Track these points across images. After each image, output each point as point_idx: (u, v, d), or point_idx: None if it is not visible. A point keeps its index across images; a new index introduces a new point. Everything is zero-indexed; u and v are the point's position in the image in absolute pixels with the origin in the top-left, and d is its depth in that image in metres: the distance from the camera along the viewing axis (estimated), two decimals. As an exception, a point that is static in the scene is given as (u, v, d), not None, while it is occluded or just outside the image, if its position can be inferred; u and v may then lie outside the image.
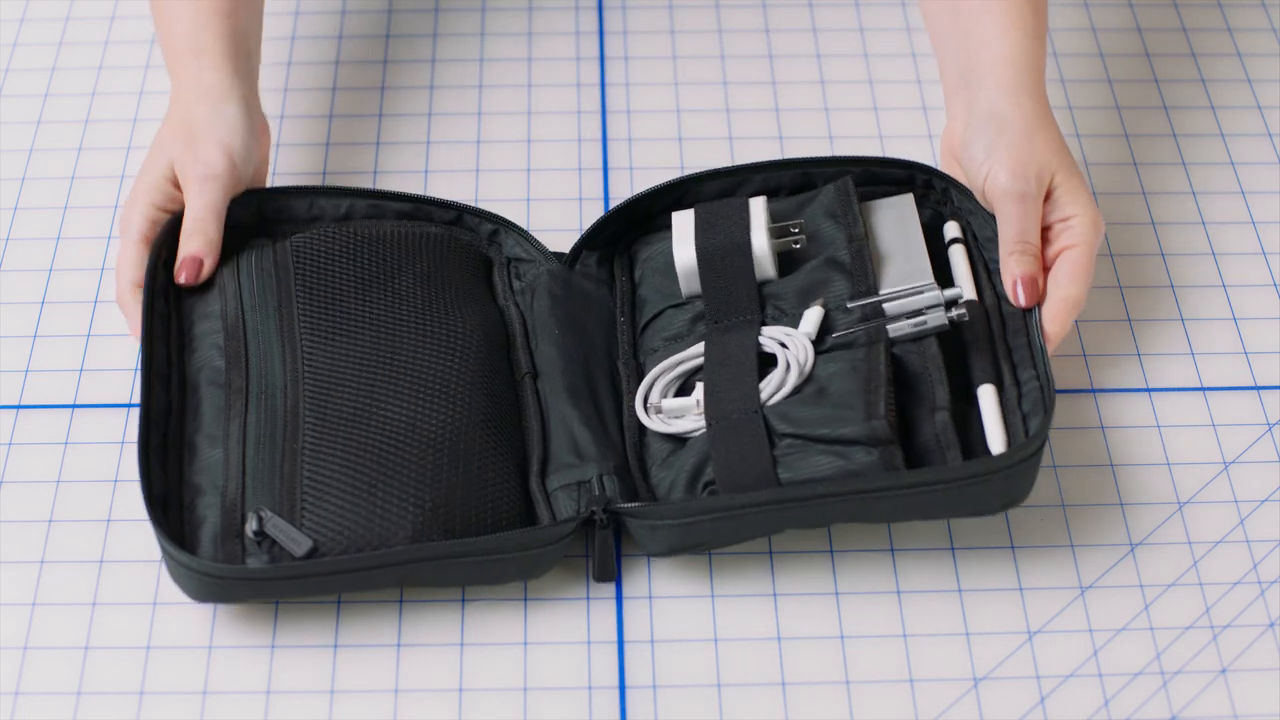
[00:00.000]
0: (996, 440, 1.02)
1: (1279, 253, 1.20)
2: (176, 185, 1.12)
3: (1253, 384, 1.13)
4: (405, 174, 1.24)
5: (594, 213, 1.22)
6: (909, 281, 1.08)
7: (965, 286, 1.09)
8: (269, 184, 1.23)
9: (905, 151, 1.26)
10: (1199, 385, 1.13)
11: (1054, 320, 1.07)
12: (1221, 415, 1.11)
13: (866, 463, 1.00)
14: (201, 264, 1.09)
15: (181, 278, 1.09)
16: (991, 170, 1.09)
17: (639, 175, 1.25)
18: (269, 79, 1.31)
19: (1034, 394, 1.04)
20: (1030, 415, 1.04)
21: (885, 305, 1.07)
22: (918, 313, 1.07)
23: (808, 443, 1.01)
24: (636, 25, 1.36)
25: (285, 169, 1.25)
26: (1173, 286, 1.18)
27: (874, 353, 1.04)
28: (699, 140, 1.27)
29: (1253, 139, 1.28)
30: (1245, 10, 1.37)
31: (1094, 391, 1.12)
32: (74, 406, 1.11)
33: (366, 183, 1.24)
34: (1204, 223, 1.22)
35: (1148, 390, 1.12)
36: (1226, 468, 1.09)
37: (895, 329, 1.06)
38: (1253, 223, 1.22)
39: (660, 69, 1.32)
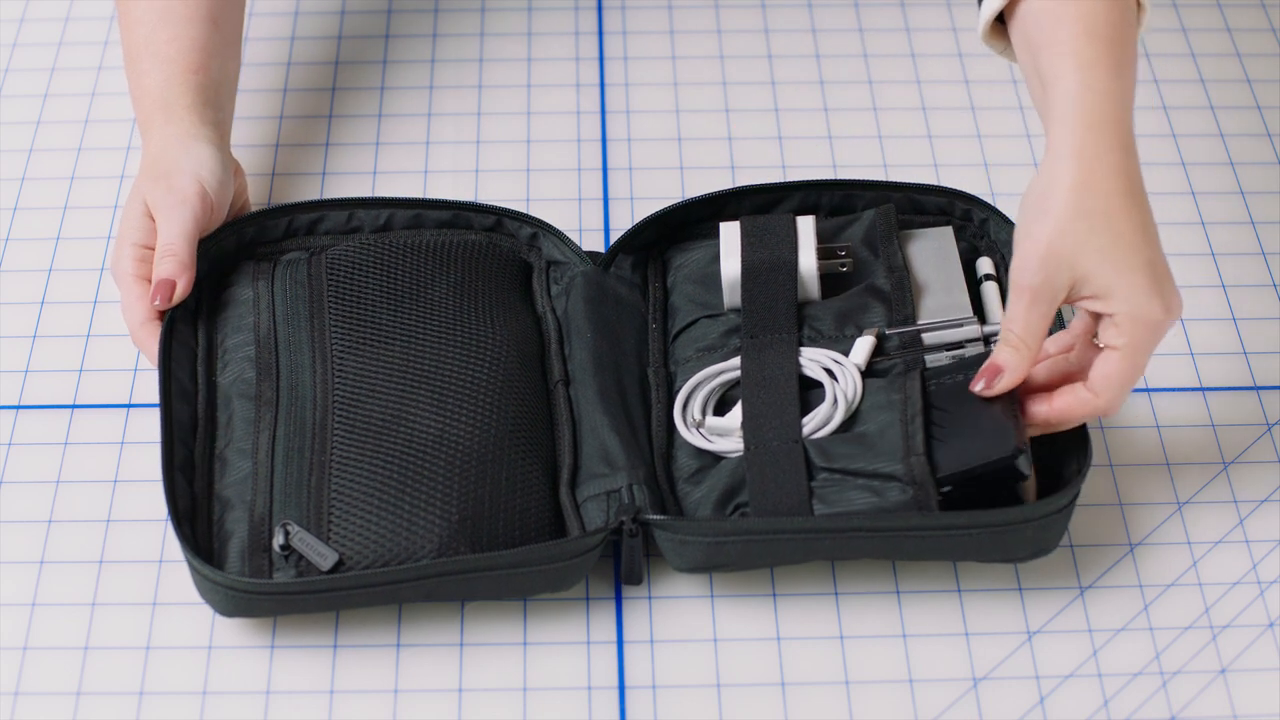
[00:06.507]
0: (1026, 488, 1.02)
1: (1278, 253, 1.20)
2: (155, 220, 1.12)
3: (1252, 384, 1.13)
4: (405, 174, 1.24)
5: (594, 213, 1.22)
6: (947, 314, 1.08)
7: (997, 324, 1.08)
8: (268, 185, 1.24)
9: (903, 151, 1.26)
10: (1198, 385, 1.13)
11: (1058, 412, 1.01)
12: (1221, 415, 1.11)
13: (900, 500, 0.99)
14: (174, 286, 1.09)
15: (156, 301, 1.09)
16: (1014, 246, 1.01)
17: (639, 175, 1.25)
18: (269, 79, 1.31)
19: (1061, 436, 1.03)
20: (1059, 460, 1.03)
21: (923, 336, 1.07)
22: (955, 345, 1.07)
23: (845, 477, 1.01)
24: (636, 25, 1.36)
25: (285, 169, 1.25)
26: (1172, 286, 1.18)
27: (910, 385, 1.04)
28: (699, 140, 1.27)
29: (1253, 139, 1.28)
30: (1245, 10, 1.37)
31: (1094, 391, 1.12)
32: (74, 407, 1.12)
33: (366, 183, 1.24)
34: (1203, 223, 1.22)
35: (1147, 390, 1.12)
36: (1226, 468, 1.09)
37: (933, 360, 1.06)
38: (1252, 223, 1.22)
39: (660, 69, 1.32)
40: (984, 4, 1.05)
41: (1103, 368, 0.99)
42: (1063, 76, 1.00)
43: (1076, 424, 1.01)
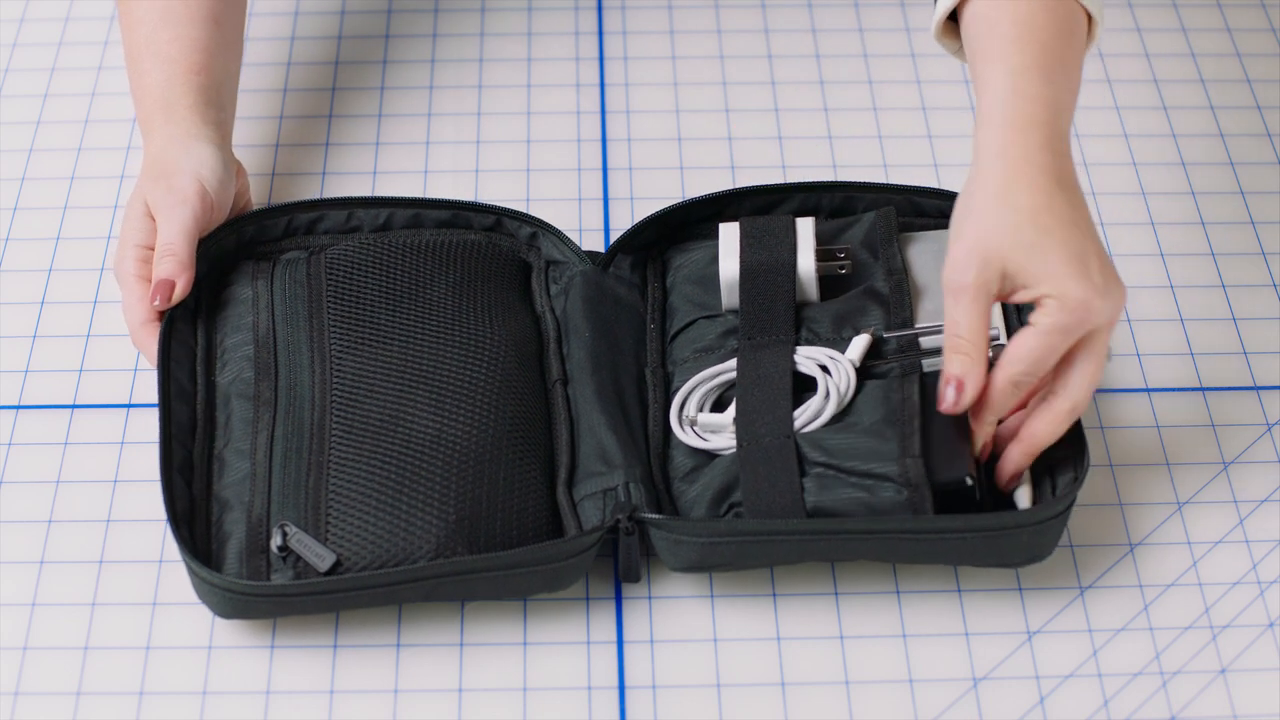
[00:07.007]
0: (1023, 493, 1.02)
1: (1278, 253, 1.20)
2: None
3: (1252, 384, 1.13)
4: (405, 174, 1.24)
5: (594, 213, 1.22)
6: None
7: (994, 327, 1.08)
8: (268, 185, 1.24)
9: (903, 152, 1.26)
10: (1198, 385, 1.13)
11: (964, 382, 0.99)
12: (1221, 415, 1.11)
13: (896, 502, 0.99)
14: (173, 286, 1.09)
15: (155, 301, 1.09)
16: (947, 250, 1.00)
17: (638, 175, 1.25)
18: (269, 79, 1.31)
19: (1059, 440, 1.02)
20: (1057, 466, 1.02)
21: (921, 339, 1.07)
22: None
23: (839, 474, 1.01)
24: (636, 25, 1.36)
25: (285, 169, 1.25)
26: (1172, 287, 1.18)
27: (908, 387, 1.03)
28: (699, 140, 1.27)
29: (1252, 139, 1.28)
30: (1245, 10, 1.37)
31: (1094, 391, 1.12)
32: (74, 407, 1.12)
33: (366, 183, 1.24)
34: (1203, 223, 1.22)
35: (1147, 390, 1.12)
36: (1226, 468, 1.09)
37: (930, 364, 1.06)
38: (1252, 223, 1.22)
39: (660, 69, 1.32)
40: (938, 3, 1.06)
41: (1006, 347, 0.99)
42: (994, 79, 1.01)
43: (978, 387, 0.98)
